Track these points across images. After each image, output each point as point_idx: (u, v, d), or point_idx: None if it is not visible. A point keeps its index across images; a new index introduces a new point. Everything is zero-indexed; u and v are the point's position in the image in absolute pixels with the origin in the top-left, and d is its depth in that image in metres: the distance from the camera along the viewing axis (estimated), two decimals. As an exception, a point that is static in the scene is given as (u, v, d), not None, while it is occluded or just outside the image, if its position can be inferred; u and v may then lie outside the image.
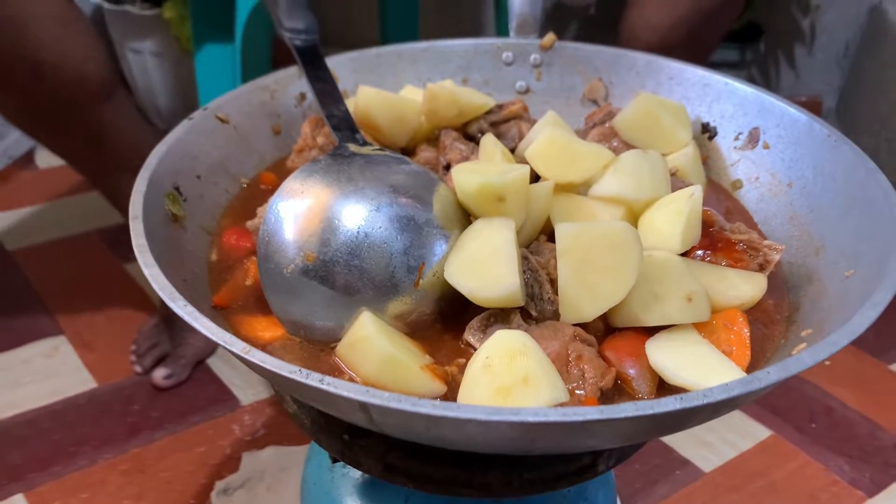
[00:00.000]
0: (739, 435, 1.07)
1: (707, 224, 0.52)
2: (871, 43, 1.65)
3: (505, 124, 0.64)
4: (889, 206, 0.47)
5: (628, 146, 0.60)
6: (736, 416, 1.09)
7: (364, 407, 0.37)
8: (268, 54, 1.29)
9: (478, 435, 0.37)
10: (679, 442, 1.06)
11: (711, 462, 1.03)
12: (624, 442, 0.42)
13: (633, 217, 0.52)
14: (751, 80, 1.77)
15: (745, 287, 0.49)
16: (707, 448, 1.05)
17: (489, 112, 0.64)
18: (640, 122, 0.60)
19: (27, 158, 1.62)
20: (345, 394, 0.36)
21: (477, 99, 0.64)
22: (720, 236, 0.51)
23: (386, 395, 0.35)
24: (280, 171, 0.63)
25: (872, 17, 1.66)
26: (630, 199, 0.51)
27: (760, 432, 1.08)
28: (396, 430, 0.40)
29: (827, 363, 1.17)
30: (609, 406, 0.34)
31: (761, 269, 0.50)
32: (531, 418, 0.34)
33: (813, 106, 1.80)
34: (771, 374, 0.36)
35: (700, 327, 0.46)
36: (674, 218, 0.49)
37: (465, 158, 0.59)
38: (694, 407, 0.35)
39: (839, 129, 1.75)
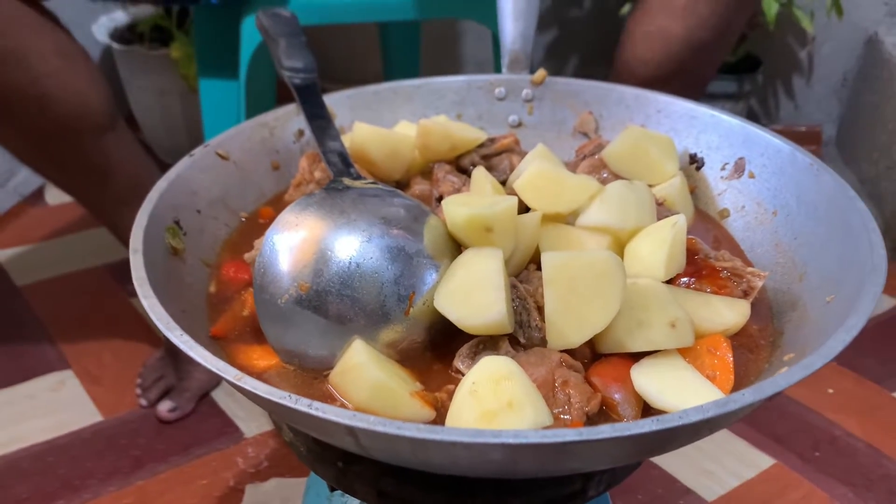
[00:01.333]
0: (743, 464, 1.07)
1: (692, 252, 0.53)
2: (869, 73, 1.67)
3: (496, 157, 0.66)
4: (867, 233, 0.48)
5: (618, 177, 0.61)
6: (739, 445, 1.09)
7: (352, 431, 0.38)
8: (272, 92, 1.32)
9: (462, 458, 0.38)
10: (682, 471, 1.06)
11: (714, 491, 1.03)
12: (608, 464, 0.42)
13: (619, 246, 0.53)
14: (750, 111, 1.80)
15: (729, 313, 0.50)
16: (710, 477, 1.05)
17: (482, 145, 0.66)
18: (629, 154, 0.61)
19: (37, 195, 1.65)
20: (332, 418, 0.37)
21: (469, 133, 0.65)
22: (705, 264, 0.52)
23: (371, 419, 0.37)
24: (278, 206, 0.65)
25: (869, 47, 1.68)
26: (615, 228, 0.52)
27: (764, 461, 1.08)
28: (385, 455, 0.41)
29: (830, 391, 1.18)
30: (587, 428, 0.35)
31: (745, 295, 0.51)
32: (511, 440, 0.35)
33: (812, 135, 1.81)
34: (746, 396, 0.37)
35: (684, 353, 0.47)
36: (657, 247, 0.50)
37: (458, 191, 0.61)
38: (671, 428, 0.35)
39: (839, 158, 1.76)
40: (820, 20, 1.67)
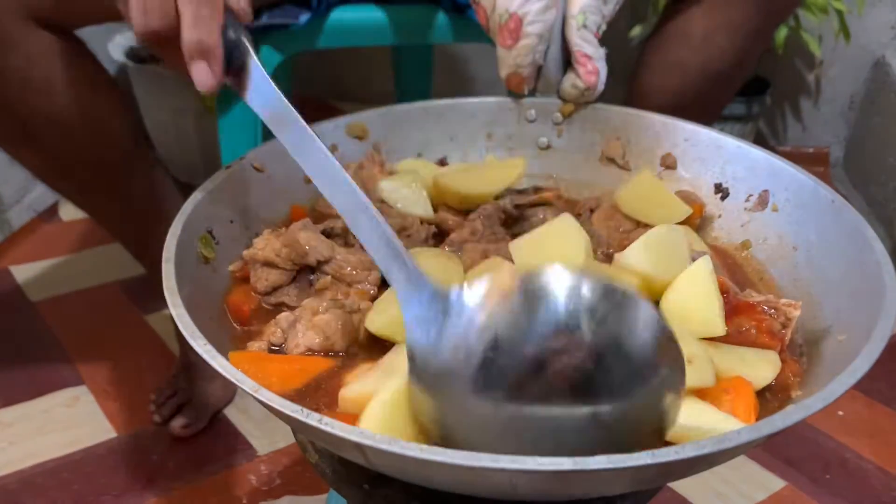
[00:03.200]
0: (754, 486, 1.07)
1: (721, 291, 0.53)
2: (876, 96, 1.69)
3: (532, 208, 0.67)
4: (880, 275, 0.49)
5: (631, 220, 0.63)
6: (750, 467, 1.10)
7: (359, 447, 0.39)
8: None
9: (464, 478, 0.40)
10: (694, 493, 1.06)
11: (726, 514, 1.03)
12: (605, 493, 0.43)
13: (649, 292, 0.53)
14: (758, 133, 1.81)
15: (766, 366, 0.49)
16: (722, 499, 1.05)
17: (521, 191, 0.68)
18: (642, 196, 0.63)
19: (51, 212, 1.66)
20: (340, 434, 0.39)
21: (481, 189, 0.66)
22: (737, 301, 0.53)
23: (378, 437, 0.38)
24: (313, 212, 0.67)
25: (876, 70, 1.70)
26: (652, 276, 0.52)
27: (775, 483, 1.08)
28: (392, 470, 0.43)
29: (840, 413, 1.18)
30: (582, 458, 0.36)
31: (783, 327, 0.52)
32: (509, 465, 0.36)
33: (820, 157, 1.82)
34: (742, 435, 0.38)
35: (702, 396, 0.47)
36: (706, 300, 0.50)
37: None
38: (664, 462, 0.36)
39: (847, 180, 1.77)
40: (827, 43, 1.69)
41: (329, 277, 0.58)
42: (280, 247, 0.58)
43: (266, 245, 0.58)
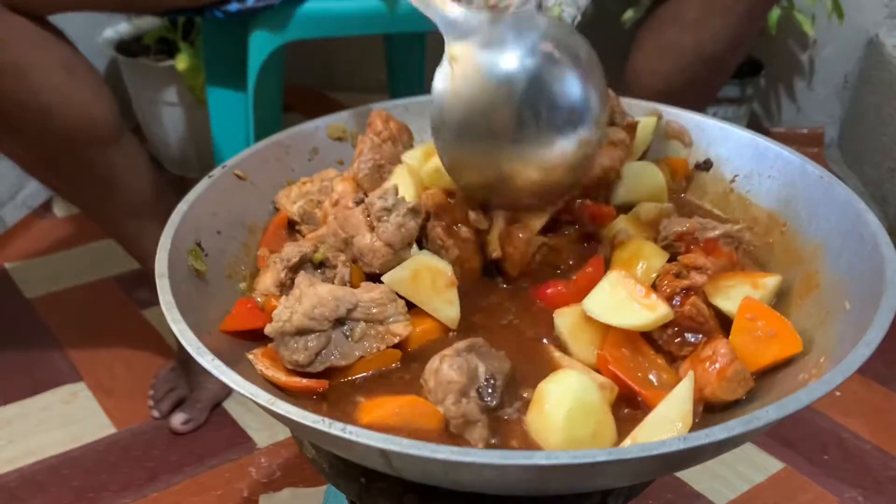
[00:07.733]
0: (752, 467, 1.08)
1: (690, 231, 0.56)
2: (870, 75, 1.68)
3: None
4: (877, 246, 0.49)
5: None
6: (748, 449, 1.10)
7: (384, 454, 0.39)
8: (279, 102, 1.32)
9: (494, 479, 0.39)
10: (692, 475, 1.06)
11: (724, 496, 1.04)
12: (633, 480, 0.43)
13: None
14: (752, 115, 1.81)
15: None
16: (720, 481, 1.05)
17: None
18: None
19: (45, 208, 1.66)
20: (366, 441, 0.38)
21: None
22: (707, 242, 0.56)
23: (405, 442, 0.38)
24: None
25: (870, 49, 1.69)
26: None
27: (773, 465, 1.08)
28: (416, 475, 0.42)
29: (838, 394, 1.18)
30: (616, 448, 0.36)
31: (736, 250, 0.55)
32: (543, 461, 0.36)
33: (814, 138, 1.82)
34: (770, 413, 0.38)
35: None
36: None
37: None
38: (697, 446, 0.36)
39: (841, 160, 1.77)
40: (821, 23, 1.68)
41: (362, 324, 0.53)
42: (310, 307, 0.51)
43: (291, 314, 0.51)
